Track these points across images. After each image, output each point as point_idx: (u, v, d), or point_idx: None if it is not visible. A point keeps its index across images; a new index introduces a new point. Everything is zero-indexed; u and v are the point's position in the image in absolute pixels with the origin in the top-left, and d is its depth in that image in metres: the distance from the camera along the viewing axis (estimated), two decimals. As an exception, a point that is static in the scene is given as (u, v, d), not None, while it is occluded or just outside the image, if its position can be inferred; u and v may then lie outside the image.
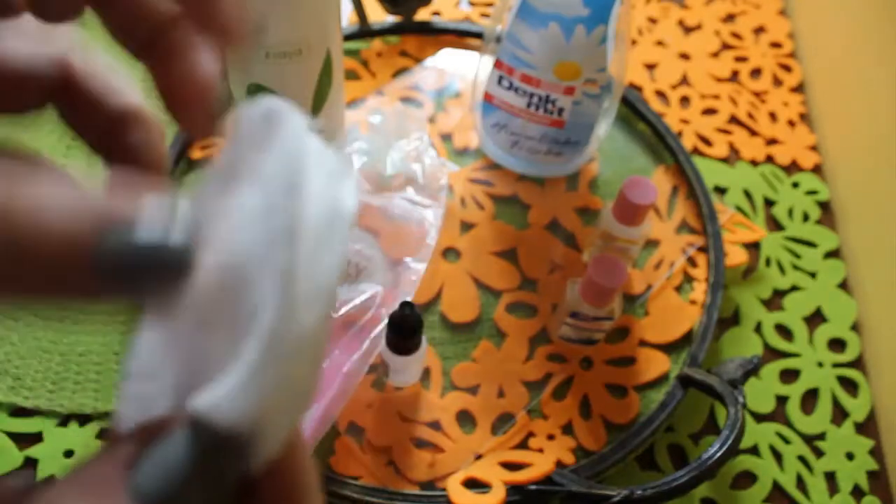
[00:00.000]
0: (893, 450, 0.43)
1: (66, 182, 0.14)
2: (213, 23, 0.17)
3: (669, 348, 0.45)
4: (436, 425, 0.40)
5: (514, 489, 0.37)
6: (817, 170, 0.55)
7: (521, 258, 0.47)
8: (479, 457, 0.39)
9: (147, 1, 0.17)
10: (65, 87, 0.18)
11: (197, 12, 0.17)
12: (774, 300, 0.48)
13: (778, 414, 0.44)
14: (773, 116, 0.57)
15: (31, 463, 0.38)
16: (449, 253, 0.47)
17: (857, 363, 0.46)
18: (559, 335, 0.43)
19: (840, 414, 0.44)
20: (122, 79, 0.19)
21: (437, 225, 0.44)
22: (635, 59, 0.59)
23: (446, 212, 0.46)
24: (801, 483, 0.42)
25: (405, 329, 0.36)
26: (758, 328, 0.47)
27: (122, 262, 0.13)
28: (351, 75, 0.55)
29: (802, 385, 0.45)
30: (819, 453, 0.43)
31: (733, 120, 0.57)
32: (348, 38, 0.55)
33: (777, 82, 0.60)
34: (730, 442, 0.36)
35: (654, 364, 0.44)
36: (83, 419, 0.40)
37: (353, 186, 0.15)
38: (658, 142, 0.53)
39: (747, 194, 0.53)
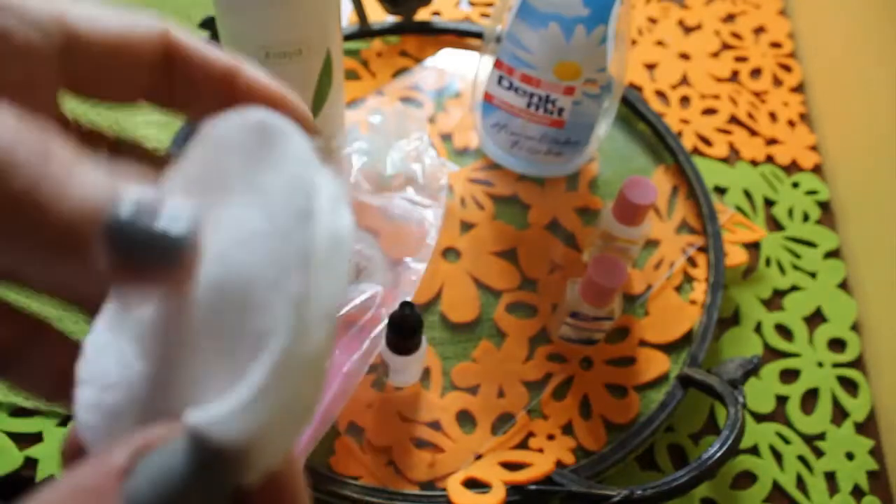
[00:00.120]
0: (893, 450, 0.43)
1: (93, 163, 0.14)
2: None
3: (669, 348, 0.45)
4: (436, 425, 0.40)
5: (514, 489, 0.37)
6: (817, 170, 0.55)
7: (521, 258, 0.47)
8: (479, 457, 0.39)
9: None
10: (167, 62, 0.18)
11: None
12: (774, 300, 0.48)
13: (778, 414, 0.44)
14: (773, 116, 0.57)
15: (31, 463, 0.38)
16: (449, 253, 0.47)
17: (857, 363, 0.46)
18: (559, 335, 0.43)
19: (840, 414, 0.44)
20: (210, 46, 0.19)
21: (437, 225, 0.44)
22: (635, 59, 0.59)
23: (446, 212, 0.46)
24: (801, 483, 0.42)
25: (405, 329, 0.36)
26: (758, 328, 0.47)
27: (134, 235, 0.13)
28: (351, 75, 0.55)
29: (802, 385, 0.45)
30: (819, 453, 0.43)
31: (733, 120, 0.57)
32: (348, 38, 0.55)
33: (777, 82, 0.60)
34: (730, 442, 0.36)
35: (654, 364, 0.44)
36: (83, 419, 0.40)
37: (349, 209, 0.15)
38: (658, 142, 0.53)
39: (747, 194, 0.53)
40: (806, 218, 0.52)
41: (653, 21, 0.62)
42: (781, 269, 0.50)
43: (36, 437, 0.39)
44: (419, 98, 0.54)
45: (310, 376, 0.14)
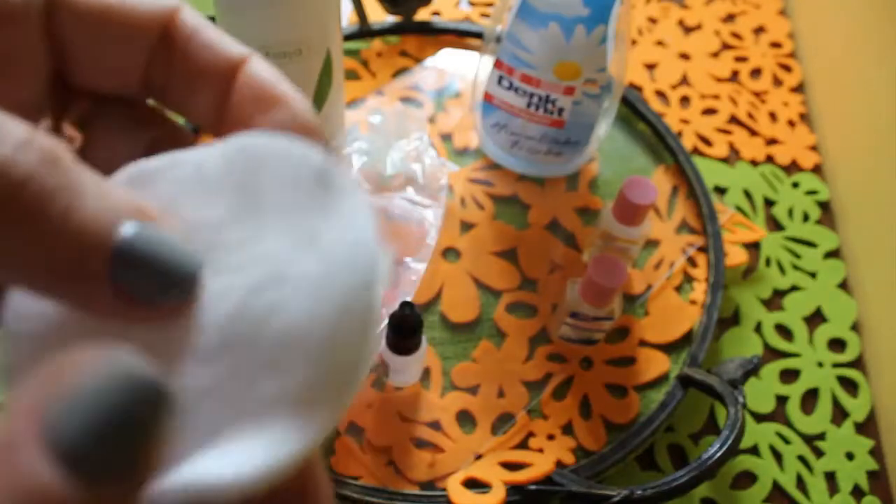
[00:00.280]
0: (893, 450, 0.43)
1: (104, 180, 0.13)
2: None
3: (669, 348, 0.45)
4: (436, 425, 0.40)
5: (514, 489, 0.37)
6: (817, 170, 0.55)
7: (521, 258, 0.47)
8: (479, 457, 0.39)
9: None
10: (168, 46, 0.16)
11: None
12: (774, 300, 0.48)
13: (778, 414, 0.44)
14: (773, 116, 0.57)
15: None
16: (449, 253, 0.47)
17: (857, 363, 0.46)
18: (559, 335, 0.43)
19: (840, 414, 0.44)
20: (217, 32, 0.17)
21: (437, 225, 0.44)
22: (635, 59, 0.59)
23: (446, 212, 0.46)
24: (801, 483, 0.42)
25: (405, 329, 0.36)
26: (758, 328, 0.47)
27: (139, 255, 0.13)
28: (351, 75, 0.55)
29: (802, 385, 0.45)
30: (819, 453, 0.43)
31: (733, 120, 0.57)
32: (348, 38, 0.55)
33: (777, 82, 0.60)
34: (730, 442, 0.36)
35: (654, 364, 0.44)
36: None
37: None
38: (658, 142, 0.53)
39: (747, 194, 0.53)
40: (806, 218, 0.52)
41: (653, 21, 0.62)
42: (781, 269, 0.50)
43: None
44: (419, 98, 0.54)
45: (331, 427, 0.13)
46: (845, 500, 0.41)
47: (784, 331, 0.47)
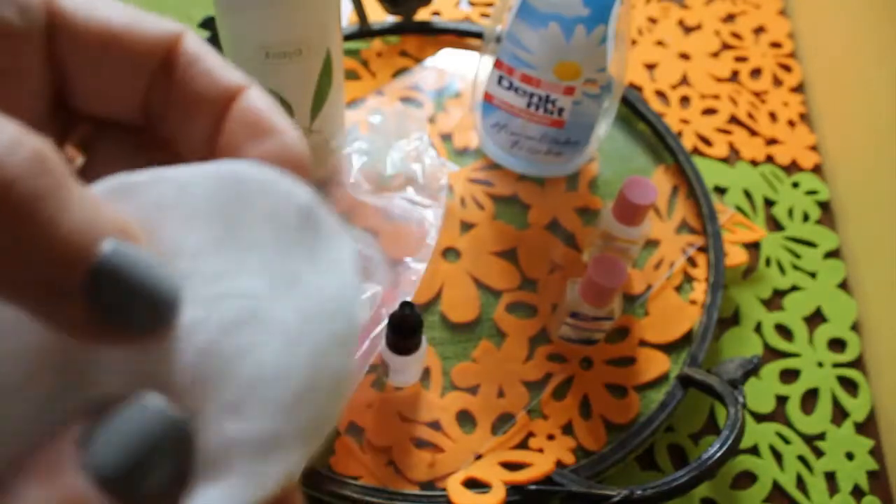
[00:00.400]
0: (893, 450, 0.43)
1: (89, 194, 0.13)
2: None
3: (669, 348, 0.45)
4: (436, 425, 0.40)
5: (514, 489, 0.37)
6: (817, 170, 0.55)
7: (521, 258, 0.47)
8: (479, 457, 0.39)
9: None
10: (168, 72, 0.16)
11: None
12: (774, 300, 0.48)
13: (778, 414, 0.44)
14: (773, 116, 0.57)
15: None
16: (449, 253, 0.47)
17: (857, 363, 0.46)
18: (559, 335, 0.43)
19: (840, 414, 0.44)
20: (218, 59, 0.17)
21: (437, 225, 0.44)
22: (635, 59, 0.59)
23: (446, 212, 0.46)
24: (801, 483, 0.42)
25: (405, 329, 0.36)
26: (758, 328, 0.47)
27: (120, 275, 0.12)
28: (351, 75, 0.55)
29: (802, 385, 0.45)
30: (819, 453, 0.43)
31: (733, 120, 0.57)
32: (348, 38, 0.55)
33: (777, 82, 0.60)
34: (730, 442, 0.36)
35: (654, 364, 0.44)
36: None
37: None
38: (658, 142, 0.53)
39: (747, 194, 0.53)
40: (806, 218, 0.52)
41: (653, 21, 0.62)
42: (781, 269, 0.50)
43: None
44: (419, 98, 0.54)
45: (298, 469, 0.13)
46: (845, 500, 0.41)
47: (784, 331, 0.47)
